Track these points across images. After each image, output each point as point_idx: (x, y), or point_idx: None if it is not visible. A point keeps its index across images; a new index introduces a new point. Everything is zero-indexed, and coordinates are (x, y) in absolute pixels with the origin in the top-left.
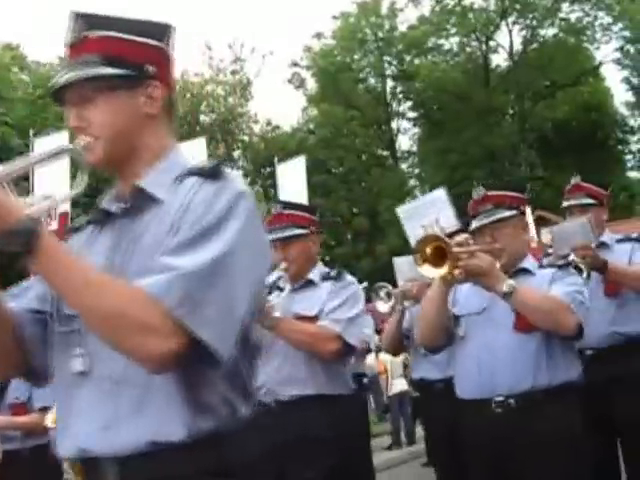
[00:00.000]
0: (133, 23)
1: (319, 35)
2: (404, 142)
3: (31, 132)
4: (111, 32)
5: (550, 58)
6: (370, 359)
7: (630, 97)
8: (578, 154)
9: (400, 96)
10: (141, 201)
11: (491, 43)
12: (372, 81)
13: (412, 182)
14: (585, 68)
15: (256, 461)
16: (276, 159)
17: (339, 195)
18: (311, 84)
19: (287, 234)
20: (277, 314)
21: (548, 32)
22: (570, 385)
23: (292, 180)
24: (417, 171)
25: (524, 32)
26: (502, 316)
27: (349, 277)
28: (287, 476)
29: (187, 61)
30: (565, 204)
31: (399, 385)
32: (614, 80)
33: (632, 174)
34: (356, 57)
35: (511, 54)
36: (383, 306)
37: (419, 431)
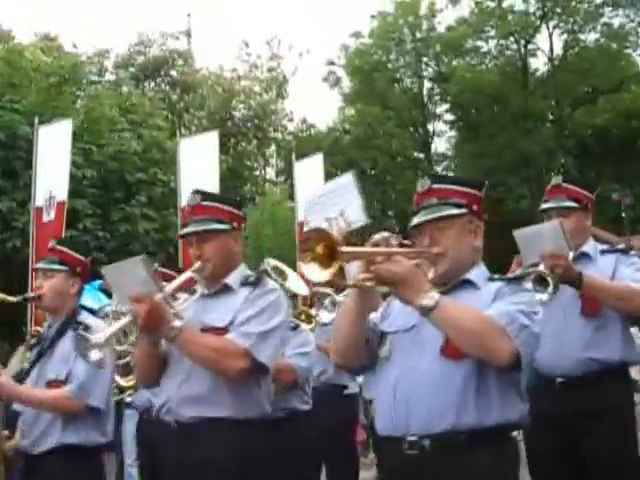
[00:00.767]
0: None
1: (357, 34)
2: (440, 145)
3: (36, 120)
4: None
5: (591, 63)
6: None
7: None
8: (617, 162)
9: (437, 98)
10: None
11: (530, 46)
12: (408, 82)
13: None
14: (627, 74)
15: None
16: (294, 156)
17: (372, 196)
18: (347, 83)
19: (202, 228)
20: (177, 323)
21: (589, 37)
22: (506, 428)
23: (309, 178)
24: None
25: (565, 36)
26: (431, 337)
27: (271, 283)
28: None
29: (224, 57)
30: (543, 207)
31: None
32: None
33: None
34: (392, 57)
35: (551, 58)
36: (327, 316)
37: None
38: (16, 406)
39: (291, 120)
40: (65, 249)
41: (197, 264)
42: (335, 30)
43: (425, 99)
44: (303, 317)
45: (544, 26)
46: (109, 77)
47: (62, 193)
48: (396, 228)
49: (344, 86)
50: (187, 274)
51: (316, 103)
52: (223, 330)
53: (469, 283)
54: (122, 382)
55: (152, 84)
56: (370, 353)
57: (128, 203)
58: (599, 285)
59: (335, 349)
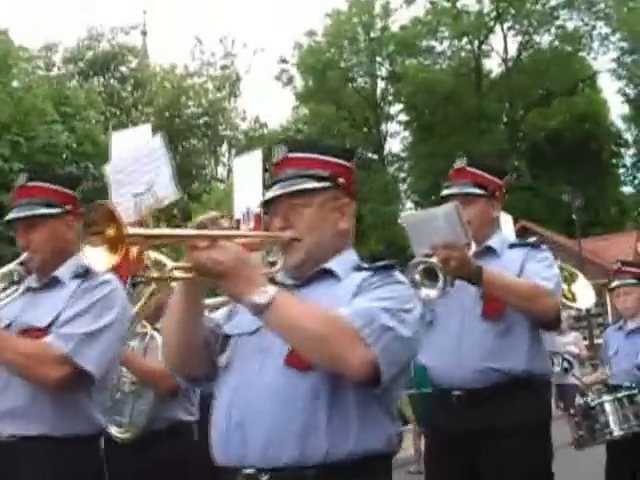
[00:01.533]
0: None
1: (311, 33)
2: (395, 146)
3: (110, 125)
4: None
5: (545, 66)
6: None
7: (626, 110)
8: (570, 165)
9: (390, 98)
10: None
11: (485, 47)
12: (361, 81)
13: (400, 187)
14: (581, 77)
15: None
16: (233, 152)
17: None
18: (300, 82)
19: (28, 213)
20: None
21: (544, 39)
22: (368, 459)
23: (247, 174)
24: (403, 175)
25: (519, 38)
26: (277, 342)
27: (105, 275)
28: None
29: (179, 54)
30: (443, 192)
31: None
32: (610, 92)
33: (625, 189)
34: (345, 55)
35: (505, 60)
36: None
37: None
38: None
39: (244, 119)
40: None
41: (23, 255)
42: (290, 29)
43: (379, 99)
44: None
45: (498, 27)
46: (56, 71)
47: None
48: None
49: (297, 85)
50: (7, 267)
51: (270, 102)
52: (43, 331)
53: (329, 274)
54: None
55: (101, 79)
56: (211, 360)
57: None
58: (501, 282)
59: (166, 355)
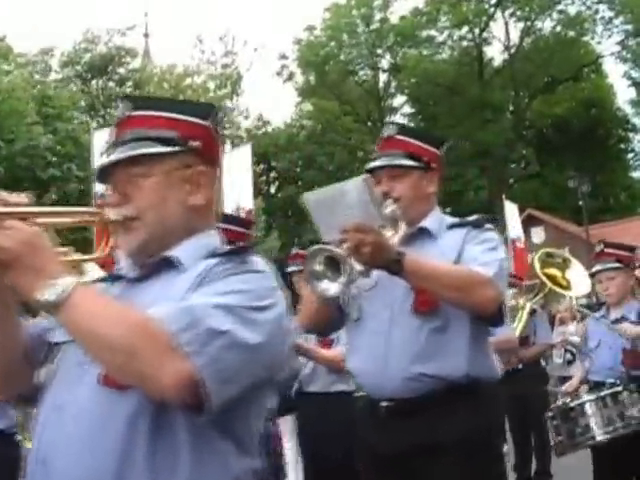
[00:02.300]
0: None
1: (310, 28)
2: None
3: (92, 126)
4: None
5: (549, 52)
6: None
7: (633, 95)
8: (577, 152)
9: (393, 90)
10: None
11: (486, 35)
12: (363, 74)
13: None
14: (585, 62)
15: None
16: (224, 147)
17: None
18: (301, 78)
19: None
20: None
21: (546, 25)
22: None
23: (237, 169)
24: None
25: (521, 24)
26: None
27: None
28: None
29: (181, 55)
30: (369, 165)
31: None
32: (617, 77)
33: (635, 174)
34: (345, 49)
35: (507, 47)
36: None
37: None
38: None
39: (247, 117)
40: None
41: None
42: (291, 25)
43: (381, 92)
44: None
45: (499, 14)
46: (54, 76)
47: None
48: None
49: (298, 81)
50: None
51: (272, 99)
52: None
53: (170, 263)
54: None
55: (100, 82)
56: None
57: (39, 200)
58: (426, 271)
59: None
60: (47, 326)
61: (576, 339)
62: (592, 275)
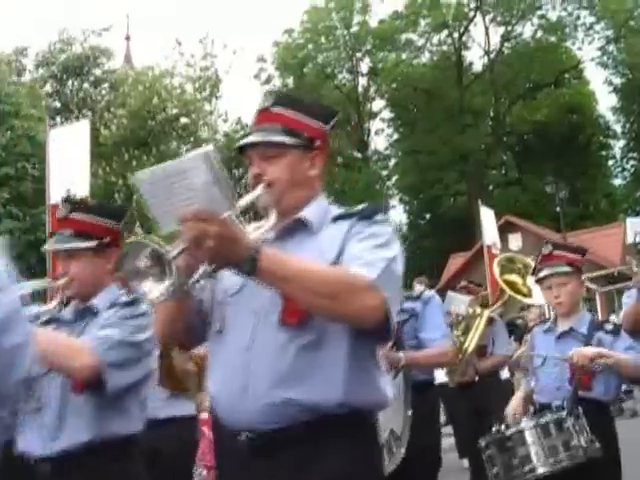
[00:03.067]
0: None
1: (289, 31)
2: (379, 143)
3: (47, 124)
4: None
5: (529, 57)
6: None
7: (614, 102)
8: (558, 158)
9: (372, 94)
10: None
11: (466, 40)
12: (341, 77)
13: (386, 184)
14: (566, 68)
15: None
16: (185, 149)
17: None
18: (280, 81)
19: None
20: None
21: (526, 30)
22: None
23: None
24: (387, 173)
25: (501, 29)
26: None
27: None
28: None
29: (159, 56)
30: (240, 142)
31: None
32: (598, 84)
33: (615, 181)
34: (323, 51)
35: (488, 52)
36: None
37: None
38: None
39: (226, 120)
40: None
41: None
42: (271, 30)
43: (360, 96)
44: None
45: (479, 18)
46: (28, 76)
47: (84, 190)
48: None
49: (276, 84)
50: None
51: (252, 103)
52: None
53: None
54: None
55: (75, 83)
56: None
57: None
58: (288, 272)
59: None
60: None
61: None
62: (539, 281)
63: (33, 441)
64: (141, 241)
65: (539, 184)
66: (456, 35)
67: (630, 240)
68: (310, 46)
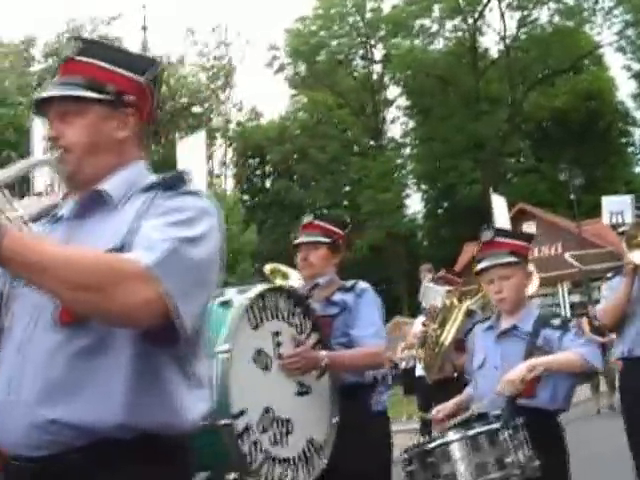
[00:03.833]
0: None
1: (303, 19)
2: (395, 132)
3: (32, 111)
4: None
5: (546, 43)
6: None
7: (634, 88)
8: (576, 146)
9: (386, 81)
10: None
11: (482, 25)
12: (355, 64)
13: (401, 172)
14: (584, 53)
15: None
16: (177, 135)
17: (319, 186)
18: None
19: None
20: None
21: (543, 15)
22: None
23: (191, 156)
24: (399, 161)
25: (517, 14)
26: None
27: None
28: None
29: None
30: (34, 98)
31: None
32: (618, 71)
33: (635, 169)
34: (336, 38)
35: (503, 37)
36: None
37: None
38: None
39: (240, 109)
40: None
41: None
42: (284, 17)
43: (375, 84)
44: None
45: (495, 3)
46: (37, 66)
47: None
48: (347, 219)
49: (290, 72)
50: None
51: (267, 92)
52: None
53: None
54: None
55: None
56: None
57: None
58: (36, 258)
59: None
60: None
61: None
62: (479, 274)
63: None
64: None
65: (557, 172)
66: (471, 21)
67: (606, 221)
68: (322, 33)
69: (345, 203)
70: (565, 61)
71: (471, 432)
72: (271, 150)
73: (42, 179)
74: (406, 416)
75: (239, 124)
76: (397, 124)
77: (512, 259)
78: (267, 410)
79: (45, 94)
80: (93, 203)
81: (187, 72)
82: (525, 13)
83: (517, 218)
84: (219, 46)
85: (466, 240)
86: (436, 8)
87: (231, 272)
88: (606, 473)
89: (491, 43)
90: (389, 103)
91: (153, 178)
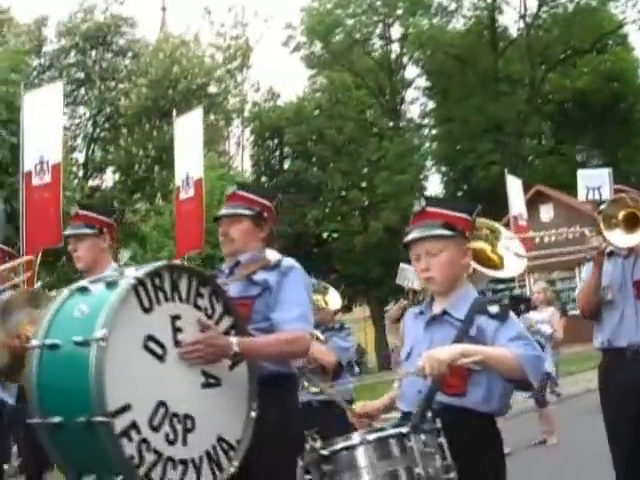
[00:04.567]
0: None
1: None
2: (414, 113)
3: (22, 86)
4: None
5: (568, 22)
6: None
7: None
8: (598, 127)
9: (404, 60)
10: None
11: (499, 3)
12: (372, 43)
13: (420, 154)
14: (607, 33)
15: None
16: (175, 113)
17: (336, 167)
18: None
19: None
20: None
21: None
22: None
23: (188, 134)
24: (417, 143)
25: None
26: None
27: None
28: None
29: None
30: None
31: None
32: None
33: None
34: (354, 17)
35: (523, 16)
36: None
37: None
38: None
39: (257, 90)
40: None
41: None
42: None
43: (392, 64)
44: None
45: None
46: (50, 46)
47: (56, 156)
48: (365, 200)
49: (306, 51)
50: None
51: (284, 72)
52: None
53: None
54: None
55: (97, 53)
56: None
57: None
58: None
59: None
60: None
61: (545, 328)
62: (406, 247)
63: None
64: None
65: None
66: None
67: (582, 197)
68: (339, 11)
69: (363, 185)
70: (587, 41)
71: (370, 437)
72: (286, 131)
73: None
74: None
75: (255, 104)
76: (416, 105)
77: (444, 232)
78: (161, 405)
79: None
80: None
81: (202, 51)
82: None
83: (534, 200)
84: (236, 26)
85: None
86: None
87: None
88: None
89: (510, 22)
90: (408, 84)
91: None
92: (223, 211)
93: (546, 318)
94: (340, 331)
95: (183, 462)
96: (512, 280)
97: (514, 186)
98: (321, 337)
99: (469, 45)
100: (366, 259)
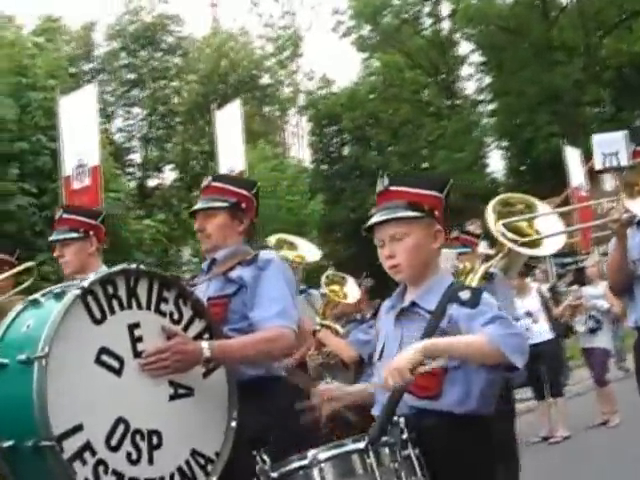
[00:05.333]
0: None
1: None
2: (470, 89)
3: (58, 91)
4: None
5: None
6: None
7: None
8: None
9: (457, 37)
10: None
11: None
12: (422, 21)
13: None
14: None
15: None
16: (213, 106)
17: (394, 150)
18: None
19: None
20: None
21: None
22: None
23: (229, 125)
24: (473, 119)
25: None
26: None
27: None
28: None
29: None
30: None
31: None
32: None
33: None
34: None
35: None
36: None
37: None
38: None
39: (311, 78)
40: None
41: None
42: None
43: (443, 40)
44: None
45: None
46: (99, 50)
47: (94, 159)
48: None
49: (355, 35)
50: None
51: (337, 58)
52: None
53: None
54: None
55: (146, 53)
56: None
57: (5, 177)
58: None
59: None
60: None
61: (601, 303)
62: (368, 231)
63: None
64: None
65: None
66: None
67: (599, 165)
68: None
69: (423, 165)
70: None
71: (335, 452)
72: (345, 117)
73: None
74: None
75: (310, 93)
76: (472, 82)
77: (408, 213)
78: (120, 422)
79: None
80: None
81: (251, 43)
82: None
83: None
84: (284, 16)
85: (545, 198)
86: None
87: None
88: None
89: None
90: (461, 60)
91: None
92: (197, 205)
93: (602, 292)
94: (361, 323)
95: None
96: (578, 253)
97: (573, 157)
98: (340, 330)
99: (519, 16)
100: None
